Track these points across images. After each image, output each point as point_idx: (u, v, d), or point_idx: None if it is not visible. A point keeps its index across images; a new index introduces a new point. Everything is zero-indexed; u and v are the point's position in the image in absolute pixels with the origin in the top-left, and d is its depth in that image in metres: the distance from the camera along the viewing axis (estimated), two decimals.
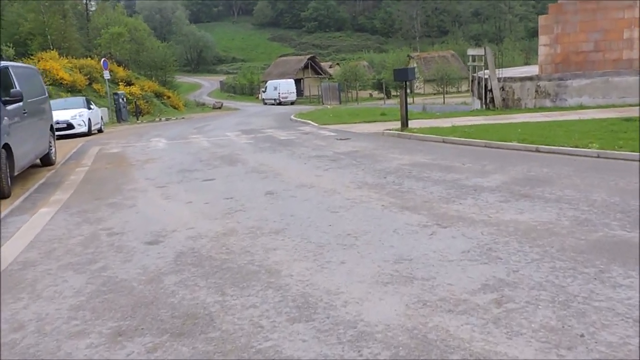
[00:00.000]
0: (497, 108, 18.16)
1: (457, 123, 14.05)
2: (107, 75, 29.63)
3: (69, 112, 18.79)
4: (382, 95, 54.86)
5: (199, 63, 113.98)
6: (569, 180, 6.55)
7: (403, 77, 12.98)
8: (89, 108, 19.97)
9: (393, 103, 39.86)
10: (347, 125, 16.52)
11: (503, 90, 18.31)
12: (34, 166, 10.25)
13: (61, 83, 32.68)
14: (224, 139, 14.06)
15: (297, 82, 60.43)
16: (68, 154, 12.61)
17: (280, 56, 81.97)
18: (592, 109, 15.32)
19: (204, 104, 55.48)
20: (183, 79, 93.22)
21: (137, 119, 31.03)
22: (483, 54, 19.09)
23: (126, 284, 3.72)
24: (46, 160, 10.43)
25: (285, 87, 52.97)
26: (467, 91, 61.21)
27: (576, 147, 8.74)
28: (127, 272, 3.97)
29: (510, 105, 18.24)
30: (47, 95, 10.72)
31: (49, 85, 31.54)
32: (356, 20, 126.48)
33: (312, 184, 7.23)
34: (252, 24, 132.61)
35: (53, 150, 10.80)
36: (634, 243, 3.98)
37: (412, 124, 13.90)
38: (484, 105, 19.33)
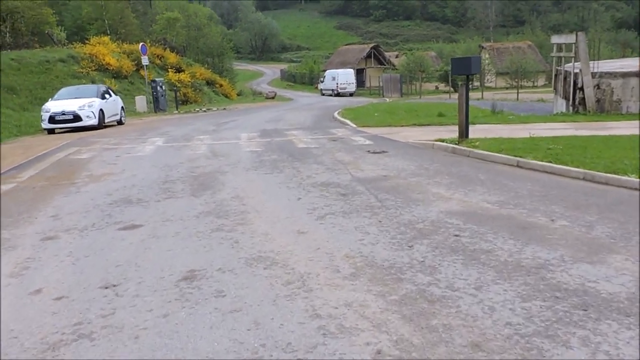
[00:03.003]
0: (589, 112, 14.19)
1: (537, 132, 10.42)
2: (145, 60, 27.55)
3: (78, 101, 16.51)
4: (448, 88, 50.44)
5: (263, 51, 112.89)
6: None
7: (464, 70, 9.51)
8: (104, 97, 17.63)
9: None
10: (392, 129, 13.17)
11: (598, 88, 14.29)
12: None
13: (107, 69, 31.13)
14: (228, 145, 11.12)
15: (359, 72, 57.02)
16: (33, 156, 10.11)
17: (345, 45, 78.58)
18: None
19: (260, 93, 53.28)
20: (246, 66, 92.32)
21: (177, 109, 28.88)
22: (574, 41, 15.08)
23: None
24: None
25: (344, 77, 49.56)
26: (544, 86, 55.81)
27: None
28: None
29: (607, 108, 14.22)
30: None
31: (94, 70, 30.14)
32: (426, 9, 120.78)
33: (278, 254, 4.13)
34: (318, 12, 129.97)
35: None
36: None
37: (475, 130, 10.42)
38: (570, 108, 15.36)
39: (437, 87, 57.44)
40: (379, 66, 60.70)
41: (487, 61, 55.21)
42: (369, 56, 60.55)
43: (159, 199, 6.23)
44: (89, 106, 16.47)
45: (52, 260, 4.19)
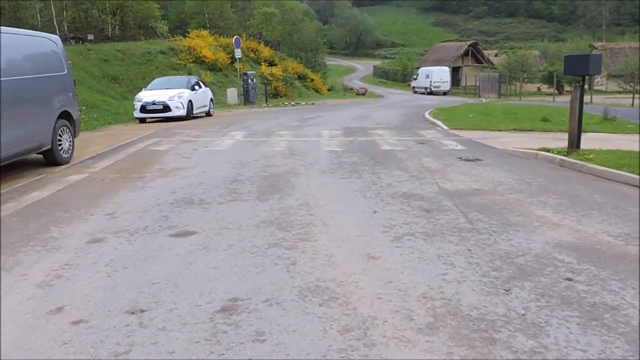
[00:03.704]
0: None
1: None
2: (238, 54, 27.79)
3: (168, 92, 16.71)
4: (552, 90, 46.97)
5: (358, 47, 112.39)
6: None
7: (580, 69, 8.20)
8: (193, 89, 17.76)
9: (564, 102, 33.09)
10: (488, 133, 11.96)
11: None
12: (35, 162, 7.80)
13: (203, 61, 31.97)
14: (308, 143, 10.52)
15: (455, 70, 54.74)
16: (114, 145, 10.11)
17: (441, 42, 75.99)
18: None
19: (351, 89, 52.71)
20: (339, 61, 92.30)
21: (266, 102, 28.97)
22: None
23: None
24: None
25: (439, 75, 47.66)
26: None
27: None
28: None
29: None
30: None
31: (191, 62, 31.06)
32: (531, 5, 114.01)
33: (340, 285, 3.40)
34: (416, 8, 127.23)
35: None
36: None
37: (586, 140, 9.05)
38: None
39: (539, 89, 53.80)
40: (477, 65, 57.88)
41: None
42: (466, 54, 57.93)
43: (222, 200, 5.70)
44: (179, 97, 16.63)
45: (88, 270, 3.73)
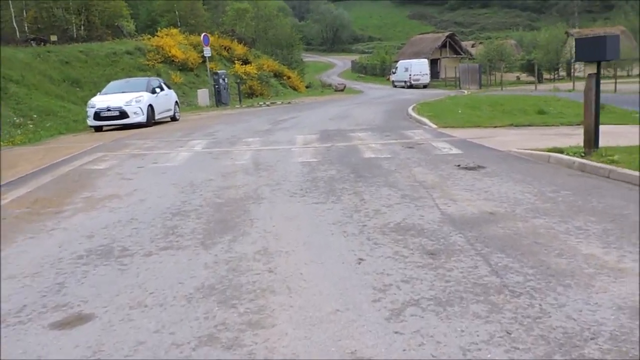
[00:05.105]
0: None
1: None
2: (207, 52, 26.09)
3: (125, 96, 14.99)
4: (531, 78, 46.09)
5: (335, 42, 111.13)
6: None
7: (595, 54, 6.82)
8: (154, 92, 16.06)
9: (546, 89, 32.11)
10: (483, 130, 10.57)
11: None
12: None
13: (173, 61, 30.18)
14: (278, 152, 8.99)
15: (433, 62, 53.59)
16: (45, 164, 8.45)
17: (418, 34, 74.90)
18: None
19: (330, 85, 51.30)
20: (317, 58, 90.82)
21: (240, 103, 27.32)
22: None
23: None
24: None
25: (418, 67, 46.35)
26: None
27: None
28: None
29: None
30: None
31: (160, 63, 29.26)
32: None
33: None
34: (391, 1, 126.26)
35: None
36: None
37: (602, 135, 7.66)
38: None
39: (518, 78, 53.07)
40: (455, 56, 56.83)
41: (574, 49, 50.18)
42: (443, 45, 56.85)
43: (152, 249, 4.18)
44: (137, 101, 14.92)
45: None
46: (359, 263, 3.69)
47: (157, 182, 6.81)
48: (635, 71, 53.22)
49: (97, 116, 14.60)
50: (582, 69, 53.04)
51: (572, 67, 48.48)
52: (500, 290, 3.17)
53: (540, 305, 2.97)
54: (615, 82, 30.80)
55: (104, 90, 16.16)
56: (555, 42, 54.15)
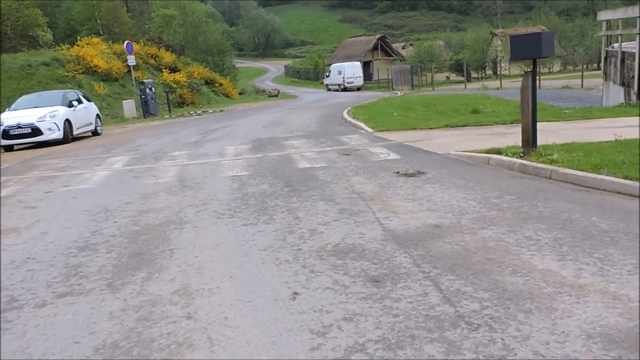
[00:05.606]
0: None
1: (620, 133, 7.60)
2: (131, 60, 24.82)
3: (38, 111, 13.79)
4: (461, 78, 47.47)
5: (267, 47, 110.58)
6: None
7: (531, 52, 6.65)
8: (71, 105, 14.89)
9: (475, 88, 32.96)
10: (420, 132, 10.36)
11: None
12: None
13: (95, 71, 28.53)
14: (207, 165, 8.33)
15: (366, 65, 54.05)
16: None
17: (350, 38, 75.59)
18: None
19: (263, 91, 50.60)
20: (250, 64, 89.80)
21: (169, 113, 26.20)
22: (638, 15, 12.15)
23: None
24: None
25: (351, 70, 46.48)
26: (560, 72, 52.88)
27: None
28: None
29: None
30: None
31: (81, 73, 27.56)
32: None
33: None
34: (322, 5, 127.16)
35: None
36: None
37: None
38: (635, 96, 12.47)
39: (448, 78, 54.64)
40: (387, 58, 57.69)
41: (499, 48, 52.27)
42: (375, 48, 57.53)
43: (47, 297, 3.49)
44: (51, 117, 13.76)
45: None
46: (294, 299, 3.18)
47: (65, 208, 6.01)
48: (555, 67, 56.15)
49: (6, 134, 13.35)
50: (507, 67, 55.38)
51: (499, 65, 50.42)
52: (456, 323, 2.75)
53: (502, 339, 2.57)
54: (539, 79, 31.99)
55: (13, 106, 14.85)
56: (481, 42, 56.21)
